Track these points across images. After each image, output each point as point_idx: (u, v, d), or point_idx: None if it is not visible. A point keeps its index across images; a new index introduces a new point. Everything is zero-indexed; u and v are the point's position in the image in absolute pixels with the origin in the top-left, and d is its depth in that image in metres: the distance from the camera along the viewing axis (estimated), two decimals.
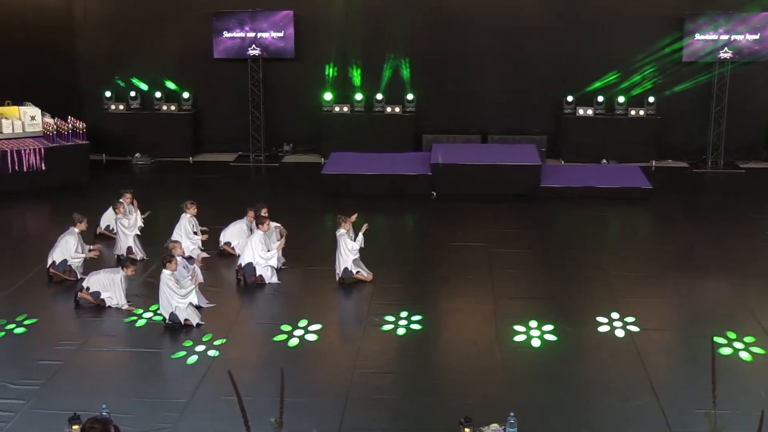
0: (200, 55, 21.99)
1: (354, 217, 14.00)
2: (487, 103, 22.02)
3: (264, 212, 14.74)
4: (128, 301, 12.86)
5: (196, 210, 15.03)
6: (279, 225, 14.70)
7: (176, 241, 13.50)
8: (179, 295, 12.22)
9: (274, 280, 13.85)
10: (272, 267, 13.86)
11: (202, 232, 15.08)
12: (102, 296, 12.81)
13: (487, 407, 9.75)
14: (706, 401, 7.91)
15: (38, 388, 10.48)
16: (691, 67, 21.40)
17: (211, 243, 15.18)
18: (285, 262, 14.46)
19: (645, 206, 18.26)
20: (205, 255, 14.44)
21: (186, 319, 12.21)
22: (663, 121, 21.51)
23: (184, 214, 14.94)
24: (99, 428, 7.41)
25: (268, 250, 13.81)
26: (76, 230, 14.00)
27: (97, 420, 7.59)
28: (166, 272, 12.29)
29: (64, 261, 13.83)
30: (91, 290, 12.83)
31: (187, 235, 14.79)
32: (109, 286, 12.83)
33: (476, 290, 13.53)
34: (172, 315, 12.20)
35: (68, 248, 13.90)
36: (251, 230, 14.66)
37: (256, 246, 13.77)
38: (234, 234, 15.03)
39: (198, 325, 12.23)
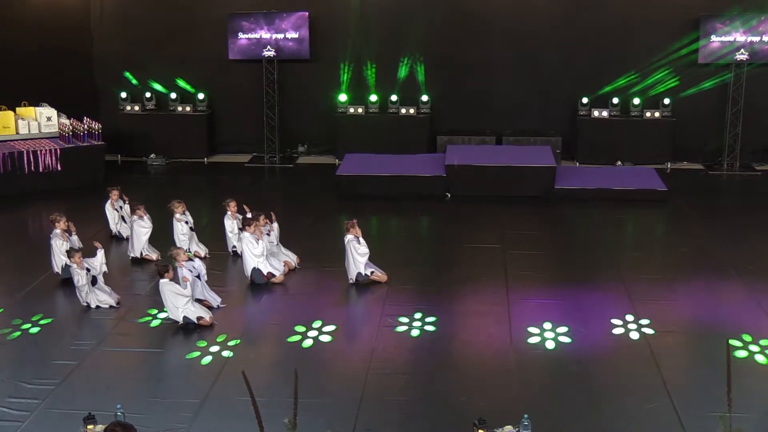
0: (215, 56, 22.04)
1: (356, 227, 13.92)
2: (502, 104, 21.99)
3: (233, 206, 14.96)
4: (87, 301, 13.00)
5: (183, 208, 15.04)
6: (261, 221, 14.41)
7: (179, 248, 13.44)
8: (184, 297, 12.25)
9: (280, 270, 13.94)
10: (265, 259, 13.86)
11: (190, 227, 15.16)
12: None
13: (501, 409, 9.74)
14: (721, 404, 7.87)
15: (53, 388, 10.53)
16: (706, 68, 21.32)
17: (223, 244, 15.25)
18: (299, 262, 14.55)
19: (660, 208, 18.20)
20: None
21: (199, 317, 12.24)
22: (678, 123, 21.43)
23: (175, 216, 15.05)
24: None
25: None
26: (58, 230, 14.01)
27: (119, 424, 7.60)
28: (163, 281, 12.29)
29: (65, 265, 13.84)
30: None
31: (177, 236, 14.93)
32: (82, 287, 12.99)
33: (490, 292, 13.51)
34: (185, 318, 12.23)
35: (58, 251, 13.92)
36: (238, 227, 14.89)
37: (248, 247, 13.79)
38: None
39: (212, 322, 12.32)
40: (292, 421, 7.31)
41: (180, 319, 12.23)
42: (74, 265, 12.86)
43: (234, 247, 15.04)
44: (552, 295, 13.37)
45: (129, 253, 15.04)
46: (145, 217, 15.01)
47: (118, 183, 16.94)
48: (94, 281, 12.99)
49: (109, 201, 16.04)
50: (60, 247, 13.89)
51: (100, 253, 13.27)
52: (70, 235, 14.16)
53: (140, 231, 14.94)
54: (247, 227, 13.92)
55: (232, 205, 15.13)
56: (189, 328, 12.17)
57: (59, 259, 13.91)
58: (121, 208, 16.10)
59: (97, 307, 12.89)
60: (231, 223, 15.07)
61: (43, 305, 13.10)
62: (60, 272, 13.96)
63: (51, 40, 21.41)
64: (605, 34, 21.49)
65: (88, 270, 12.91)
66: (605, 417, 9.91)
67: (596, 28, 21.48)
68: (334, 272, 14.15)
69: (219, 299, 12.98)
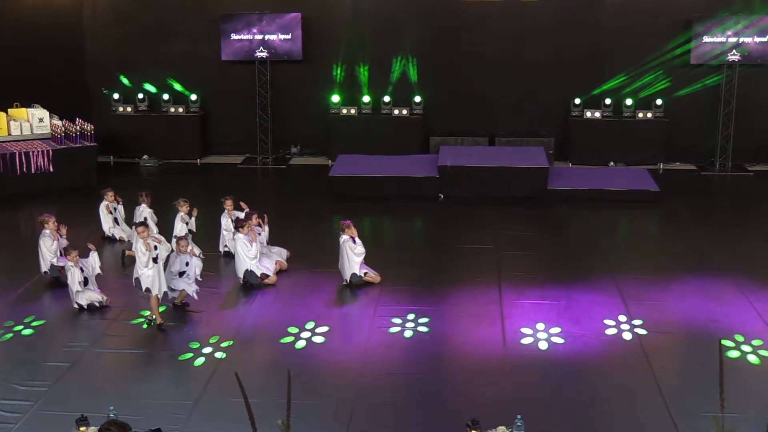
0: (208, 57, 22.01)
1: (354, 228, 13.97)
2: (495, 105, 22.00)
3: (228, 204, 14.99)
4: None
5: (187, 209, 15.06)
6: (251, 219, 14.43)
7: (184, 237, 13.49)
8: (143, 263, 12.37)
9: (272, 270, 13.97)
10: (259, 261, 13.88)
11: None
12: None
13: (494, 410, 9.74)
14: (713, 404, 7.87)
15: (46, 390, 10.51)
16: (699, 69, 21.36)
17: (216, 246, 15.25)
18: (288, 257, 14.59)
19: (653, 209, 18.22)
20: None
21: (147, 288, 12.42)
22: (671, 124, 21.47)
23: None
24: (115, 431, 7.40)
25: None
26: (47, 231, 14.01)
27: (114, 423, 7.57)
28: (140, 241, 12.56)
29: (52, 265, 13.87)
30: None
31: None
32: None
33: (483, 292, 13.52)
34: (137, 281, 12.48)
35: (46, 250, 13.91)
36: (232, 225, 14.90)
37: (242, 249, 13.78)
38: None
39: (159, 297, 12.51)
40: (286, 422, 7.30)
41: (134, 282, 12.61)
42: (70, 263, 12.86)
43: (226, 246, 15.03)
44: (545, 296, 13.38)
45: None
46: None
47: (111, 184, 16.91)
48: (85, 282, 12.98)
49: (103, 202, 16.00)
50: (49, 246, 13.87)
51: (94, 255, 13.27)
52: (60, 237, 14.13)
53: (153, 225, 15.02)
54: (240, 228, 13.90)
55: (228, 203, 15.14)
56: (183, 330, 12.18)
57: (47, 258, 13.89)
58: (115, 209, 16.08)
59: (88, 306, 12.87)
60: (227, 221, 15.07)
61: (35, 307, 13.08)
62: (48, 271, 13.94)
63: (43, 42, 21.34)
64: (598, 35, 21.52)
65: (81, 269, 12.91)
66: (598, 417, 9.92)
67: (589, 28, 21.50)
68: (327, 273, 14.14)
69: (194, 288, 13.00)
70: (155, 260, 12.58)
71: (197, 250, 14.96)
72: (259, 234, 14.33)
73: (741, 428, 8.45)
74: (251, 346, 11.93)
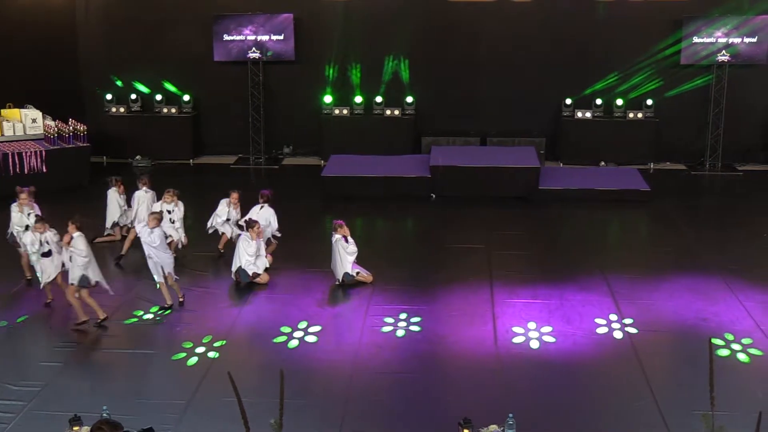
0: (201, 57, 22.04)
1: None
2: (486, 105, 22.06)
3: (235, 197, 15.11)
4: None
5: (170, 198, 15.03)
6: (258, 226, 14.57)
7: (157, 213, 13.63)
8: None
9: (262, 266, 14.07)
10: (255, 259, 13.96)
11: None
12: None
13: (485, 408, 9.79)
14: (704, 402, 7.95)
15: (39, 390, 10.52)
16: (689, 69, 21.44)
17: (210, 247, 15.25)
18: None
19: (643, 208, 18.30)
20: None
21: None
22: (661, 124, 21.56)
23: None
24: (107, 430, 7.43)
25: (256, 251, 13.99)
26: (15, 204, 14.21)
27: (106, 422, 7.60)
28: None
29: (11, 234, 14.15)
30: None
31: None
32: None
33: (475, 292, 13.56)
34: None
35: (11, 221, 14.11)
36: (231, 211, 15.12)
37: (244, 245, 13.82)
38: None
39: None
40: (278, 422, 7.34)
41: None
42: (36, 233, 12.82)
43: (212, 225, 15.18)
44: (536, 295, 13.43)
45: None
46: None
47: (104, 185, 16.87)
48: (48, 254, 12.83)
49: (114, 189, 15.91)
50: (17, 220, 14.02)
51: (49, 235, 13.08)
52: (28, 215, 14.10)
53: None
54: (249, 230, 13.94)
55: (235, 197, 15.18)
56: (176, 330, 12.23)
57: (11, 226, 14.18)
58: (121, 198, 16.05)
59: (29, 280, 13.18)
60: (225, 209, 15.14)
61: (28, 307, 13.08)
62: (9, 238, 14.24)
63: (36, 42, 21.32)
64: (589, 36, 21.59)
65: (46, 242, 12.82)
66: (589, 416, 9.98)
67: (580, 29, 21.57)
68: (320, 273, 14.18)
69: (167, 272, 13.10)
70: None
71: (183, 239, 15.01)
72: (261, 208, 14.59)
73: (731, 426, 8.51)
74: (244, 345, 11.96)
